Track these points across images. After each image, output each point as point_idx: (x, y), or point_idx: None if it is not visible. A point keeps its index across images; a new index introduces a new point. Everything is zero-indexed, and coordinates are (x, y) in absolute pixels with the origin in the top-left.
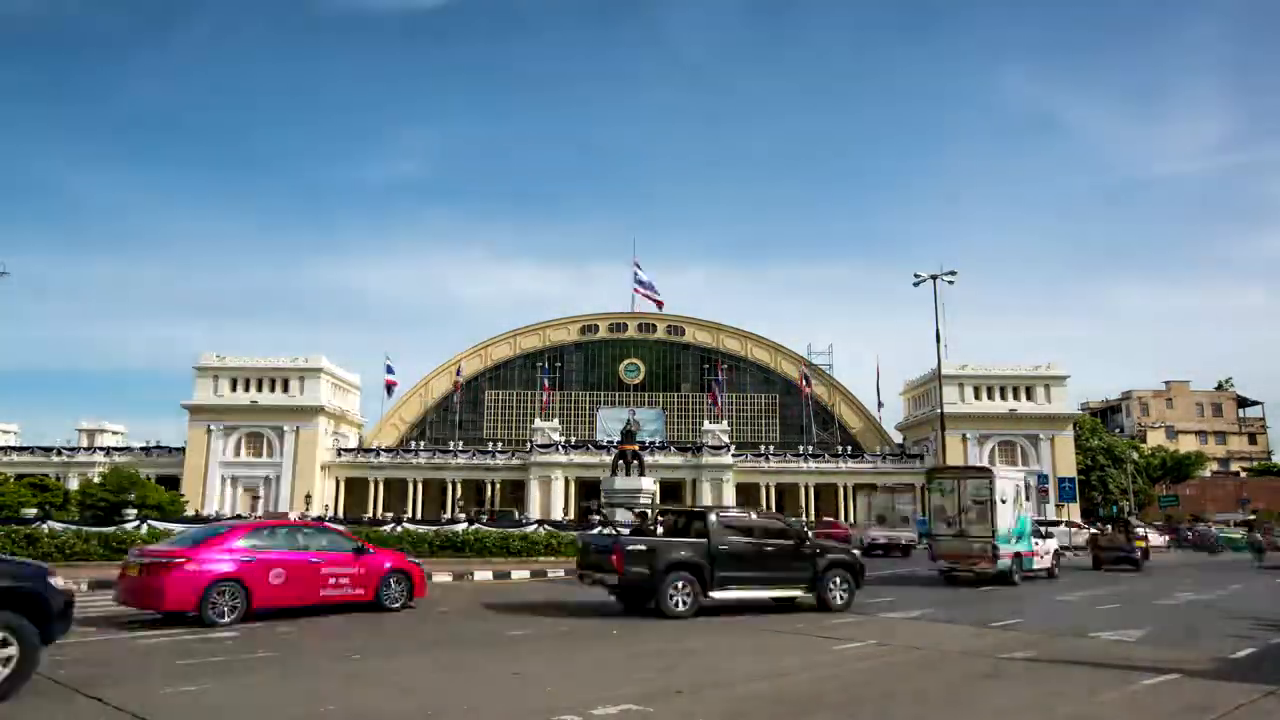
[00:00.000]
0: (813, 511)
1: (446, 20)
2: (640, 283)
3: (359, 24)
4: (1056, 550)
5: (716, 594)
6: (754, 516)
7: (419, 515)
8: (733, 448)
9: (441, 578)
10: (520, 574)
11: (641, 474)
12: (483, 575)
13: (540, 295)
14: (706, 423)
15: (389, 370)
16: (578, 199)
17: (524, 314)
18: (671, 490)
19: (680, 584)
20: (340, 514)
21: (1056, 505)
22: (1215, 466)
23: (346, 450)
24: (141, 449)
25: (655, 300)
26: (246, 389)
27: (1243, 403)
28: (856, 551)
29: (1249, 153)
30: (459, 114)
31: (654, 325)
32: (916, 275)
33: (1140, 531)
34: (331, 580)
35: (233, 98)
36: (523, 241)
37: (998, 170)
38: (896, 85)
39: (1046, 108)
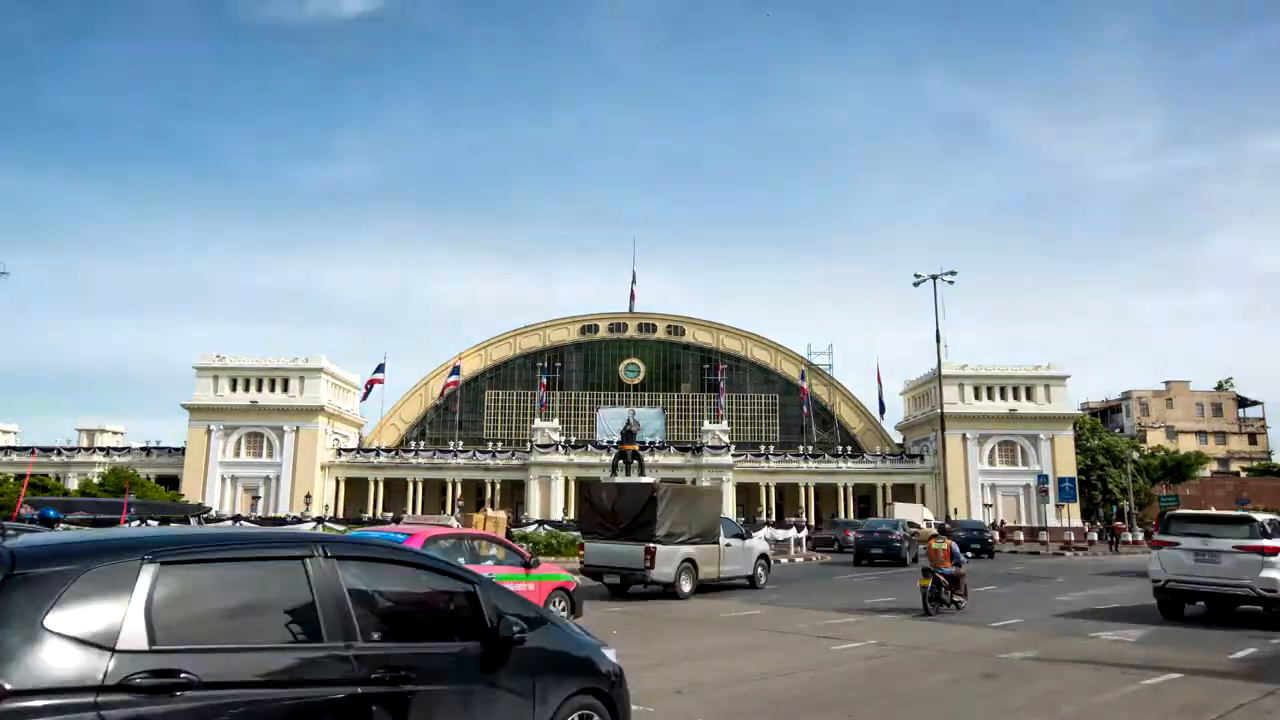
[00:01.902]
0: (813, 512)
1: (371, 29)
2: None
3: (275, 35)
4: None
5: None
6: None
7: (419, 515)
8: (733, 448)
9: None
10: None
11: (641, 474)
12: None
13: (539, 296)
14: (706, 423)
15: (378, 370)
16: (560, 200)
17: (523, 315)
18: None
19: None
20: (340, 514)
21: (1056, 505)
22: (1215, 466)
23: (346, 450)
24: (141, 449)
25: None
26: (246, 389)
27: (1243, 403)
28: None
29: (1180, 158)
30: (397, 121)
31: (654, 325)
32: (917, 275)
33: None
34: None
35: (159, 106)
36: (515, 243)
37: (943, 172)
38: (827, 87)
39: (974, 110)
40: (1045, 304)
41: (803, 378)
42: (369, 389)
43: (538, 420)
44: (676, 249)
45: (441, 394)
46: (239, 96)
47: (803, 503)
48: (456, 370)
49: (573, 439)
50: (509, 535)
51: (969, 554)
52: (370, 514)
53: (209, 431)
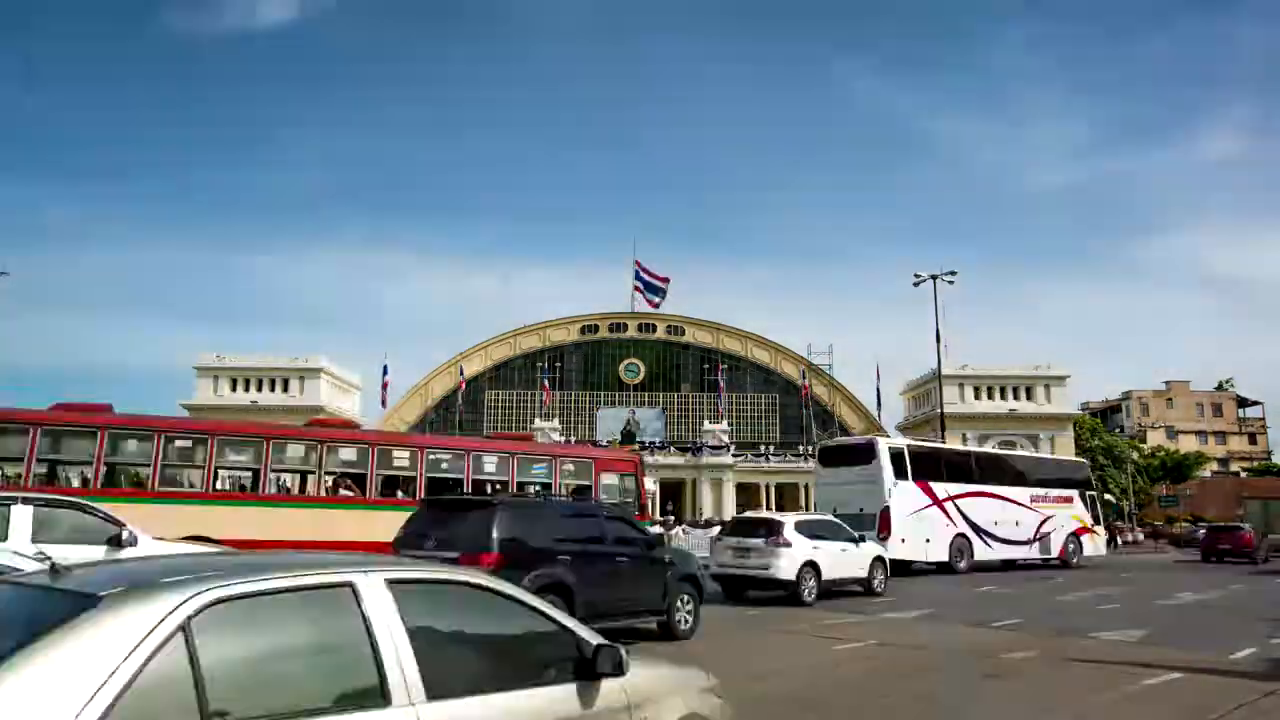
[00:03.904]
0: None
1: (295, 37)
2: (644, 284)
3: (190, 48)
4: None
5: None
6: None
7: None
8: (733, 448)
9: None
10: None
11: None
12: None
13: (540, 295)
14: (706, 423)
15: (384, 374)
16: (560, 200)
17: (521, 314)
18: (672, 490)
19: None
20: None
21: None
22: (1215, 466)
23: None
24: None
25: (650, 300)
26: (246, 389)
27: (1243, 403)
28: None
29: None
30: (335, 127)
31: (654, 325)
32: (916, 275)
33: None
34: None
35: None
36: (515, 242)
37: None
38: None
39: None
40: (1044, 304)
41: (803, 378)
42: (384, 394)
43: (538, 420)
44: (677, 249)
45: (460, 385)
46: (162, 98)
47: (803, 502)
48: (462, 371)
49: (573, 439)
50: None
51: None
52: None
53: None
